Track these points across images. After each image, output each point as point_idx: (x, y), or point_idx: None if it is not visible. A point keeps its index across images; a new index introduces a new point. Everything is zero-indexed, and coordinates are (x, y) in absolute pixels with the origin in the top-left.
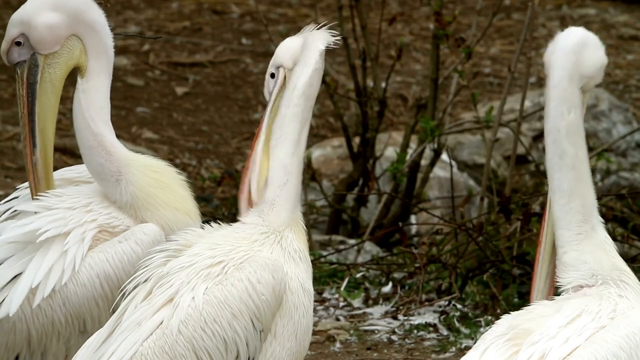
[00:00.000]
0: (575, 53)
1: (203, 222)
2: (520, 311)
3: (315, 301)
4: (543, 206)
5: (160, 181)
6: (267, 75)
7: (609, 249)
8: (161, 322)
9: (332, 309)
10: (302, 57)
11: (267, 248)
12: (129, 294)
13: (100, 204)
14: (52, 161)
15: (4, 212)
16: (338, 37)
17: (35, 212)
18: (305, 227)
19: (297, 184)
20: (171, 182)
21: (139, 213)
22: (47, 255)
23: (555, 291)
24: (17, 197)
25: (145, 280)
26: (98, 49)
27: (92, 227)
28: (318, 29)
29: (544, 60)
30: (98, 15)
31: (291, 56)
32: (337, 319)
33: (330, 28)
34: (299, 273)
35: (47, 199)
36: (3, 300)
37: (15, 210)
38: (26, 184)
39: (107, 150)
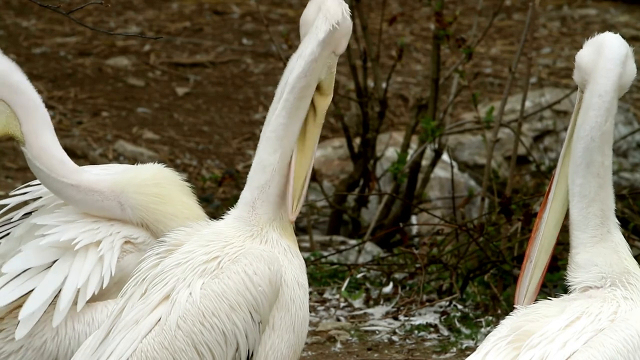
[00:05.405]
0: (622, 64)
1: None
2: (525, 310)
3: (316, 301)
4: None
5: (163, 195)
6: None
7: (622, 251)
8: (159, 319)
9: (332, 310)
10: (302, 44)
11: (257, 245)
12: (123, 295)
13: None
14: None
15: (15, 210)
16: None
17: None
18: (292, 223)
19: (281, 181)
20: (173, 191)
21: (150, 227)
22: (86, 261)
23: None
24: (26, 200)
25: (141, 282)
26: (28, 110)
27: (119, 238)
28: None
29: (579, 61)
30: (22, 78)
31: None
32: (338, 320)
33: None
34: (292, 268)
35: (67, 214)
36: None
37: (28, 214)
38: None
39: (96, 191)
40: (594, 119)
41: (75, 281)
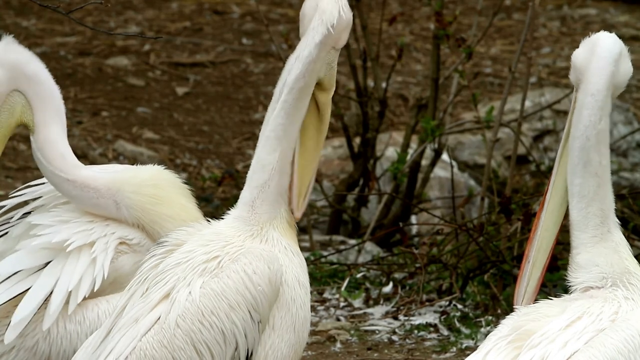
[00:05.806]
0: (615, 63)
1: None
2: (526, 309)
3: (315, 301)
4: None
5: (160, 196)
6: None
7: (623, 251)
8: (158, 318)
9: (332, 309)
10: (299, 44)
11: (257, 245)
12: (126, 294)
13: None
14: None
15: (14, 210)
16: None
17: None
18: (291, 221)
19: (280, 180)
20: (171, 193)
21: (146, 229)
22: (78, 263)
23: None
24: (26, 200)
25: (143, 281)
26: (43, 100)
27: (114, 239)
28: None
29: (574, 60)
30: (39, 67)
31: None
32: (338, 319)
33: None
34: (293, 267)
35: (63, 213)
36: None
37: (27, 214)
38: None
39: (92, 188)
40: (587, 118)
41: (66, 284)
